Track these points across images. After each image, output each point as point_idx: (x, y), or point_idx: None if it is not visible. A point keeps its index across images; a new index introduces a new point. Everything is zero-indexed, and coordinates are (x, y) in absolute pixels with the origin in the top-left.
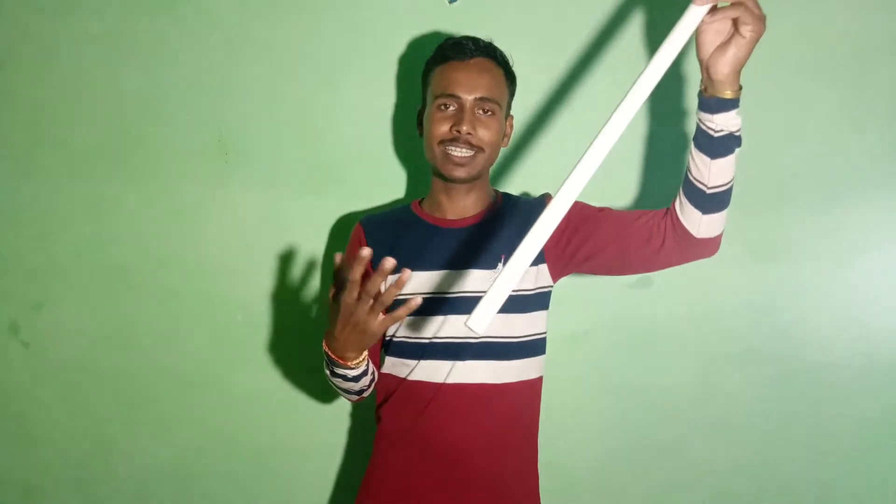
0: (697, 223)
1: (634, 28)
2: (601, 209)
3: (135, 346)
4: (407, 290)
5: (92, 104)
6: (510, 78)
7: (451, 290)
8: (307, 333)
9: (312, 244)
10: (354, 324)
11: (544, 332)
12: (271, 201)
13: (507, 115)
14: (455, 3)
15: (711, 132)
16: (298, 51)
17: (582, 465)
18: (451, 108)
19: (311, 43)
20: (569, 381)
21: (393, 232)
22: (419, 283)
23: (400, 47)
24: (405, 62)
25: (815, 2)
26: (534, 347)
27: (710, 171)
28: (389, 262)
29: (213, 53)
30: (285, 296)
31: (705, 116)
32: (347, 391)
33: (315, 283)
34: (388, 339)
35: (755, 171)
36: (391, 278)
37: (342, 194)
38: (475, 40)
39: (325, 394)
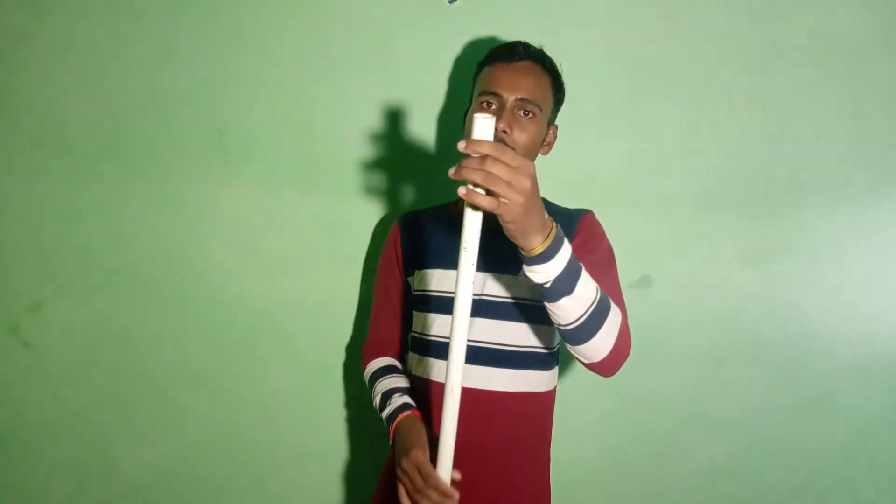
0: (576, 353)
1: (635, 27)
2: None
3: (135, 346)
4: (433, 286)
5: (92, 104)
6: (557, 86)
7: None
8: (308, 333)
9: (312, 244)
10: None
11: (558, 346)
12: (271, 201)
13: (551, 123)
14: (455, 3)
15: (533, 282)
16: (299, 50)
17: (582, 463)
18: (493, 105)
19: (311, 42)
20: (569, 381)
21: (428, 228)
22: (443, 280)
23: (401, 47)
24: (406, 61)
25: (816, 2)
26: (550, 359)
27: (556, 313)
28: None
29: (214, 53)
30: (286, 296)
31: (524, 268)
32: None
33: (315, 282)
34: (410, 334)
35: (755, 172)
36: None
37: (341, 194)
38: (525, 45)
39: (327, 394)
